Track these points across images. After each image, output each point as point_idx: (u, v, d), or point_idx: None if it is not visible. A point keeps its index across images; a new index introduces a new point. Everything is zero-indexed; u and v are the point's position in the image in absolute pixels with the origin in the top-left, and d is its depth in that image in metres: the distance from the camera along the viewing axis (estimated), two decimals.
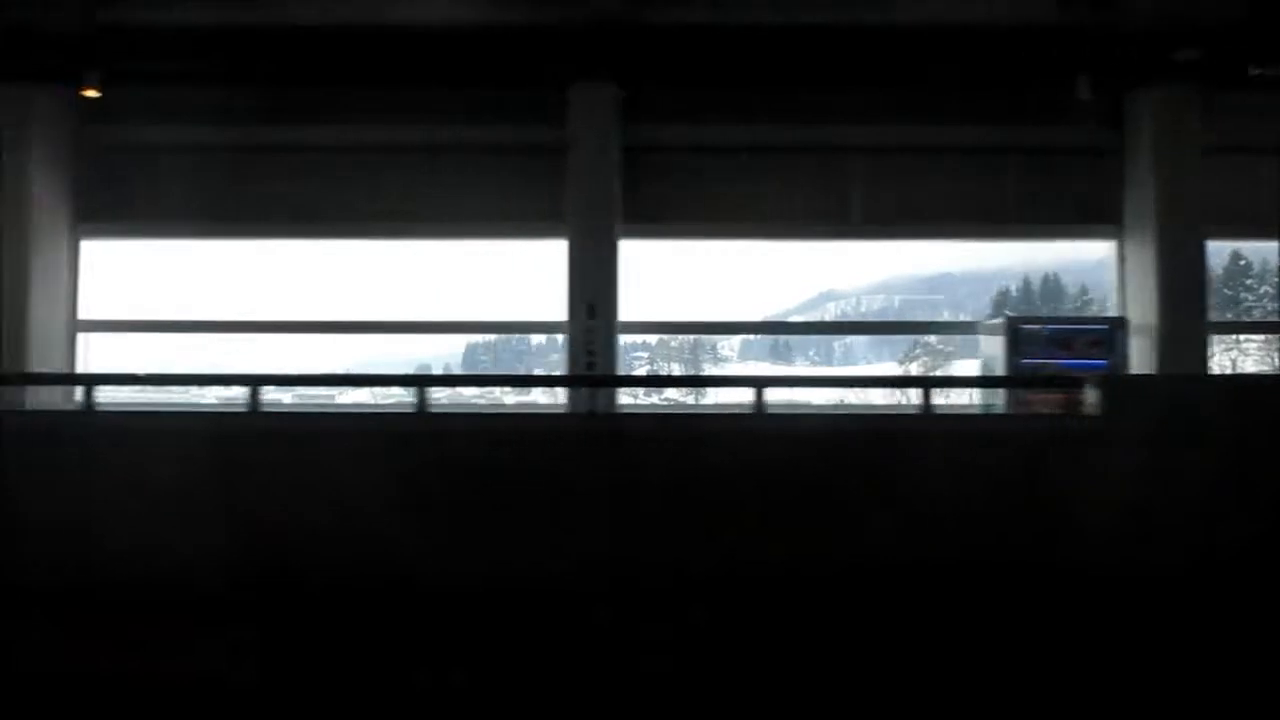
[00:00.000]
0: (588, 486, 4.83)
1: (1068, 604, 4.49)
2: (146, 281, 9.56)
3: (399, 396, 8.24)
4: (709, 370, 9.59)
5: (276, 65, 8.73)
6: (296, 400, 8.60)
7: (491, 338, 10.28)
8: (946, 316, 9.84)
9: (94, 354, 9.25)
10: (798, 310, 9.69)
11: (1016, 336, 8.08)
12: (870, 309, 9.77)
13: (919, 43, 8.23)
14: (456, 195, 9.09)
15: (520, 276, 9.19)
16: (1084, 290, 9.75)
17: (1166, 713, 3.80)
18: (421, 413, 5.32)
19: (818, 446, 4.93)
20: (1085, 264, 9.65)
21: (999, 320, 8.47)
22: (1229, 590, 4.50)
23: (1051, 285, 9.82)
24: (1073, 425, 5.28)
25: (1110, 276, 9.01)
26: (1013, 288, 9.79)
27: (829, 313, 9.77)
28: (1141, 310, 8.45)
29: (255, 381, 5.45)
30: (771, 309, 9.50)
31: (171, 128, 9.02)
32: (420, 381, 5.52)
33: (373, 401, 9.13)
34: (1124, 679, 4.05)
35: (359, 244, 9.46)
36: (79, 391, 5.94)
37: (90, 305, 9.20)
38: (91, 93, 8.25)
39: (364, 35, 8.54)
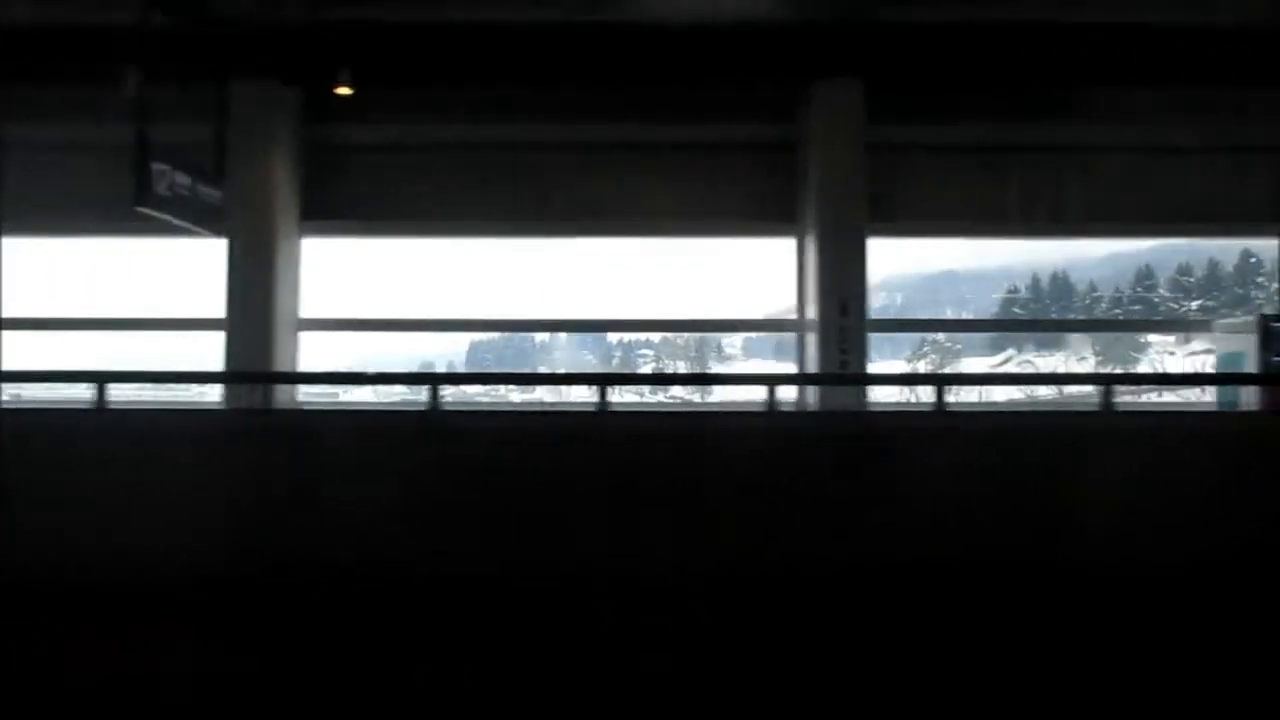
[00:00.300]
0: (588, 485, 4.85)
1: None
2: (359, 280, 9.51)
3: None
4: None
5: (505, 63, 8.71)
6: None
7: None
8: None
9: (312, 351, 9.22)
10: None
11: (1269, 334, 8.15)
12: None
13: (1174, 42, 8.25)
14: (684, 192, 9.09)
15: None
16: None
17: None
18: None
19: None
20: None
21: (1250, 318, 8.55)
22: None
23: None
24: None
25: None
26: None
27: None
28: None
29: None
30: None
31: (393, 127, 9.00)
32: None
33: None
34: None
35: (582, 242, 9.44)
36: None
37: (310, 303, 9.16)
38: (344, 90, 8.18)
39: (595, 33, 8.52)
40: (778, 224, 9.01)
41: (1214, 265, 10.06)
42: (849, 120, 8.45)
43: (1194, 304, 9.86)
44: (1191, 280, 10.16)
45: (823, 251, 8.44)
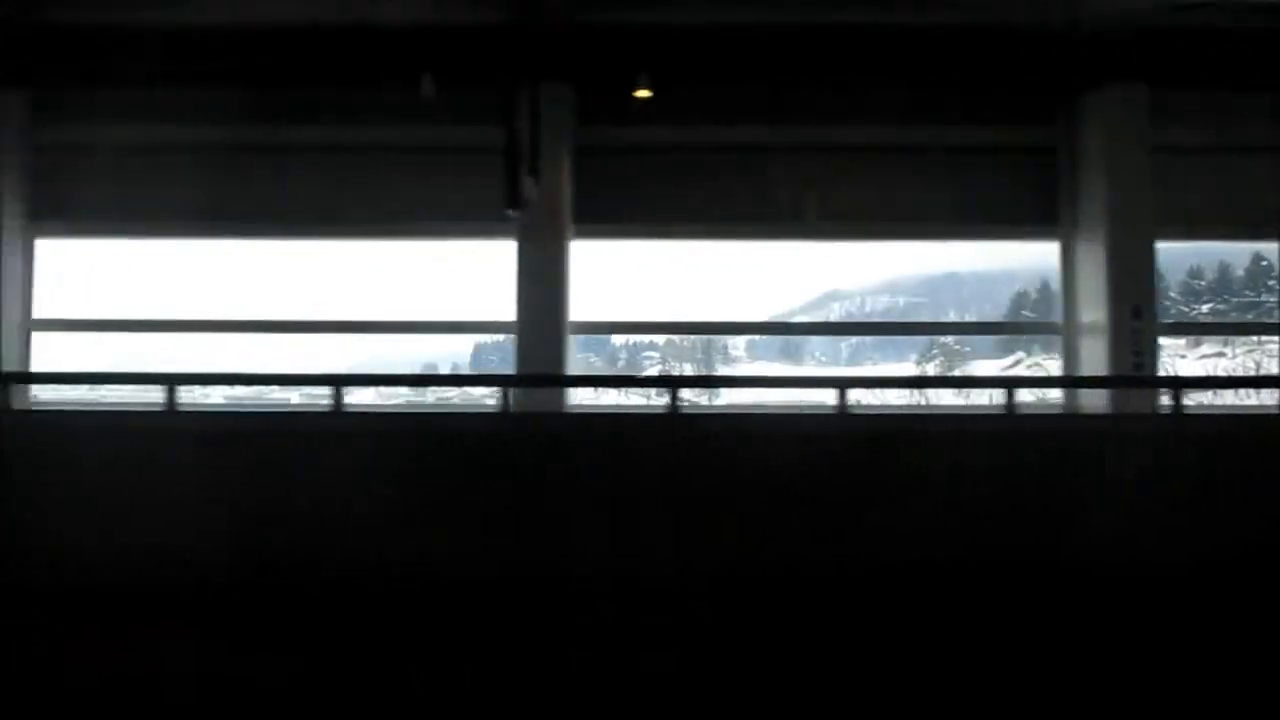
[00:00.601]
0: (589, 486, 4.91)
1: None
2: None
3: None
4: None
5: (767, 65, 8.71)
6: None
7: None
8: None
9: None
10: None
11: None
12: None
13: None
14: (936, 196, 9.07)
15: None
16: None
17: None
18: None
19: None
20: None
21: None
22: None
23: None
24: None
25: None
26: None
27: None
28: None
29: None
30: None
31: (649, 129, 8.92)
32: None
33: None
34: None
35: (829, 245, 9.43)
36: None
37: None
38: (643, 93, 8.13)
39: (848, 35, 8.51)
40: (1037, 227, 9.05)
41: None
42: (1134, 124, 8.48)
43: None
44: None
45: (1112, 256, 8.46)
